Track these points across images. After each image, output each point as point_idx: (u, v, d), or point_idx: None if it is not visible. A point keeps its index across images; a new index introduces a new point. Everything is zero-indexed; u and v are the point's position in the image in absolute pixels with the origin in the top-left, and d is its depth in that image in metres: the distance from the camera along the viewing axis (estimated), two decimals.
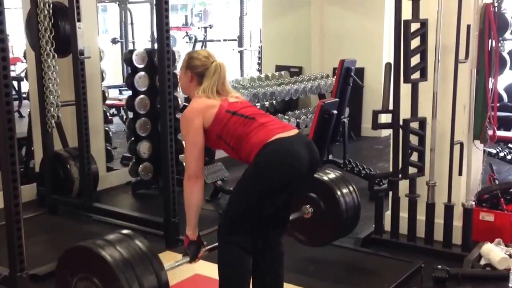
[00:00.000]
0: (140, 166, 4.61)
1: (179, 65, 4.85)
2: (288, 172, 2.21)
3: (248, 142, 2.24)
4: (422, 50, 3.18)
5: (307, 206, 2.85)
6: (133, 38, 9.83)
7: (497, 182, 3.75)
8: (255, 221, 2.32)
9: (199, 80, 2.37)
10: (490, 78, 3.33)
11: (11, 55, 7.51)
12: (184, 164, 4.66)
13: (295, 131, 2.30)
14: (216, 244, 2.37)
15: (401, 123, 3.24)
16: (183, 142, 4.31)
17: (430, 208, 3.29)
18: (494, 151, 5.00)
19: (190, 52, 2.49)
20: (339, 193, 2.83)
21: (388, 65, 3.27)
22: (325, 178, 2.88)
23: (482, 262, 3.01)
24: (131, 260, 1.99)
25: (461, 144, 3.27)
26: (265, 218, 2.36)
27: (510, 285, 2.84)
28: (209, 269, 2.89)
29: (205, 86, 2.34)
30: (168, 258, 3.34)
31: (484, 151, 3.68)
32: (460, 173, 3.28)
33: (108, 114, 5.09)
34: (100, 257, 1.97)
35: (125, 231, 2.16)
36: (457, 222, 3.29)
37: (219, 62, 2.38)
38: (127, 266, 1.97)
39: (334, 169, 3.05)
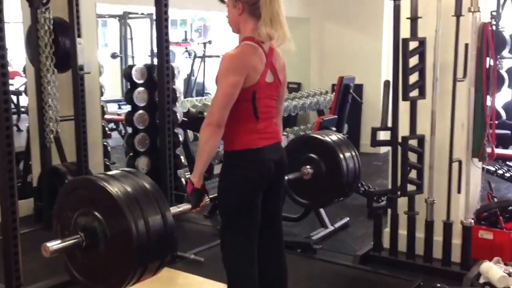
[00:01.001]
0: None
1: (178, 80, 4.87)
2: (257, 175, 2.23)
3: (236, 134, 2.20)
4: (421, 68, 3.20)
5: (307, 167, 2.75)
6: (132, 53, 9.88)
7: (495, 200, 3.74)
8: (249, 214, 2.28)
9: (251, 11, 2.14)
10: (488, 96, 3.35)
11: (10, 69, 7.51)
12: (183, 180, 4.66)
13: (274, 142, 2.29)
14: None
15: (400, 140, 3.25)
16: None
17: (429, 226, 3.28)
18: (492, 168, 5.00)
19: None
20: (341, 156, 2.74)
21: (387, 82, 3.28)
22: (328, 139, 2.80)
23: (481, 280, 2.99)
24: (136, 195, 1.84)
25: (460, 162, 3.27)
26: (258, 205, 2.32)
27: None
28: (208, 286, 2.87)
29: (267, 16, 2.10)
30: (166, 275, 3.32)
31: (483, 168, 3.69)
32: (459, 191, 3.28)
33: (106, 129, 5.09)
34: (104, 190, 1.81)
35: (128, 169, 2.03)
36: (456, 240, 3.28)
37: None
38: (132, 201, 1.82)
39: (337, 132, 2.98)
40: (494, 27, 3.37)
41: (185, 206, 2.21)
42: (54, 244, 1.90)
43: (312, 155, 2.77)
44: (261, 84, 2.20)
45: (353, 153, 2.84)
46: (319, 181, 2.74)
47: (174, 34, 14.10)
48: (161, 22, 3.32)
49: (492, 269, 2.96)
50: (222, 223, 2.35)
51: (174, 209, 2.13)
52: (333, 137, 2.84)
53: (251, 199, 2.25)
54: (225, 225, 2.33)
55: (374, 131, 3.29)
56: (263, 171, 2.25)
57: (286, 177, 2.49)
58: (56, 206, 2.00)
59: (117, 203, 1.80)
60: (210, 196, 2.30)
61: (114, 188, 1.82)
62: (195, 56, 9.35)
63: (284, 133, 6.10)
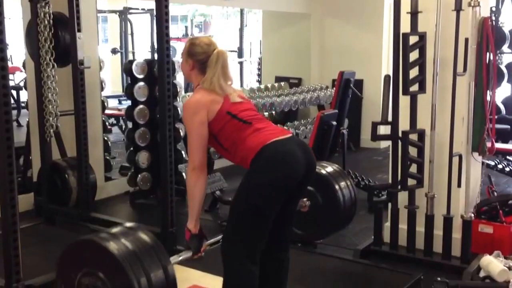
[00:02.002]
0: (139, 176, 4.61)
1: (178, 75, 4.87)
2: (286, 170, 2.19)
3: (243, 146, 2.22)
4: (421, 62, 3.20)
5: (304, 199, 2.80)
6: (133, 48, 9.87)
7: (495, 194, 3.74)
8: (260, 227, 2.25)
9: (200, 68, 2.32)
10: (488, 91, 3.34)
11: (10, 64, 7.52)
12: (184, 174, 4.67)
13: (289, 134, 2.30)
14: (219, 237, 2.32)
15: (400, 134, 3.25)
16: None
17: (429, 220, 3.28)
18: (492, 163, 5.01)
19: (191, 38, 2.41)
20: (337, 186, 2.80)
21: (387, 77, 3.28)
22: (323, 171, 2.84)
23: (481, 274, 2.99)
24: (138, 252, 1.91)
25: (460, 156, 3.27)
26: (268, 226, 2.29)
27: None
28: (207, 280, 2.88)
29: (209, 76, 2.28)
30: None
31: (483, 163, 3.69)
32: (459, 185, 3.28)
33: (107, 123, 5.10)
34: (106, 250, 1.88)
35: (129, 224, 2.09)
36: (456, 234, 3.28)
37: (221, 50, 2.32)
38: (134, 259, 1.88)
39: (331, 163, 3.02)
40: (494, 22, 3.36)
41: (186, 254, 2.28)
42: None
43: (309, 187, 2.79)
44: (230, 104, 2.29)
45: (348, 183, 2.90)
46: (316, 213, 2.78)
47: (175, 29, 14.08)
48: (161, 17, 3.31)
49: (492, 263, 2.96)
50: (230, 224, 2.28)
51: (175, 259, 2.22)
52: (328, 168, 2.90)
53: (268, 205, 2.19)
54: (233, 226, 2.25)
55: (375, 125, 3.29)
56: (289, 166, 2.18)
57: None
58: (59, 266, 2.05)
59: (119, 263, 1.87)
60: (210, 241, 2.36)
61: (115, 248, 1.89)
62: None
63: (285, 127, 6.10)
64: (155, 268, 1.91)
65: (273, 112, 6.35)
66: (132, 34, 9.79)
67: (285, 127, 6.06)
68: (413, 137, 3.25)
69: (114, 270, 1.87)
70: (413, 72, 3.20)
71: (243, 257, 2.21)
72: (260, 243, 2.25)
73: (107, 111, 5.45)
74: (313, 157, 2.31)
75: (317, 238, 2.95)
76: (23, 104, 7.62)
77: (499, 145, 4.39)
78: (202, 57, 2.31)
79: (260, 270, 2.32)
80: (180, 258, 2.26)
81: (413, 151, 3.26)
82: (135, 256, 1.89)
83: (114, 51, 9.92)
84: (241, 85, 9.31)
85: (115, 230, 2.01)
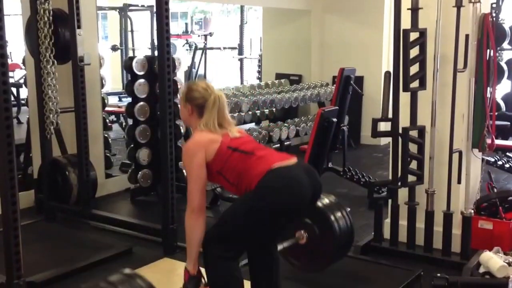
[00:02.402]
0: (140, 173, 4.61)
1: (179, 72, 4.87)
2: (290, 197, 2.23)
3: (248, 175, 2.24)
4: (421, 59, 3.20)
5: (302, 232, 2.84)
6: (133, 45, 9.85)
7: (495, 190, 3.75)
8: (248, 242, 2.34)
9: (199, 112, 2.36)
10: (488, 88, 3.34)
11: (10, 62, 7.51)
12: (184, 171, 4.67)
13: (294, 160, 2.31)
14: None
15: (400, 131, 3.25)
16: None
17: (429, 216, 3.29)
18: (492, 159, 5.01)
19: (188, 84, 2.48)
20: (332, 218, 2.83)
21: (387, 73, 3.28)
22: (319, 203, 2.87)
23: (481, 270, 3.00)
24: None
25: (460, 153, 3.27)
26: (260, 238, 2.38)
27: None
28: None
29: (206, 119, 2.32)
30: (167, 265, 3.34)
31: (483, 159, 3.69)
32: (459, 181, 3.29)
33: (107, 120, 5.10)
34: None
35: (126, 271, 2.13)
36: (456, 230, 3.29)
37: (218, 94, 2.36)
38: None
39: (328, 194, 3.08)
40: (494, 19, 3.36)
41: None
42: None
43: (306, 220, 2.82)
44: (230, 139, 2.31)
45: (344, 213, 2.90)
46: (313, 245, 2.80)
47: (175, 26, 14.08)
48: (161, 14, 3.31)
49: (492, 259, 2.97)
50: (223, 220, 2.34)
51: None
52: (324, 200, 2.90)
53: (266, 228, 2.27)
54: (218, 234, 2.29)
55: (375, 122, 3.29)
56: (294, 194, 2.22)
57: (281, 246, 2.58)
58: None
59: None
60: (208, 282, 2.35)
61: None
62: (195, 48, 9.33)
63: (285, 124, 6.11)
64: None
65: (273, 109, 6.35)
66: (132, 31, 9.77)
67: (284, 127, 6.06)
68: (413, 133, 3.25)
69: None
70: (414, 69, 3.20)
71: (223, 257, 2.25)
72: (244, 249, 2.33)
73: (107, 108, 5.45)
74: (319, 180, 2.36)
75: (315, 269, 2.98)
76: (23, 101, 7.62)
77: (499, 142, 4.40)
78: (200, 102, 2.35)
79: (252, 266, 2.38)
80: None
81: (413, 148, 3.27)
82: None
83: (114, 48, 9.90)
84: (241, 83, 9.31)
85: (113, 278, 2.05)
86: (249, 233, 2.28)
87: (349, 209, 4.21)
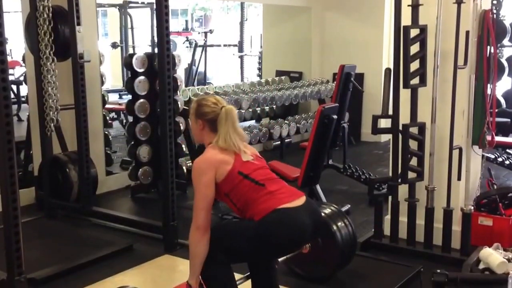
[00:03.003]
0: (140, 170, 4.61)
1: (179, 69, 4.87)
2: (289, 239, 2.27)
3: (255, 207, 2.25)
4: (422, 56, 3.19)
5: None
6: (133, 43, 9.85)
7: (495, 187, 3.75)
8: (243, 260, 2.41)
9: (211, 127, 2.35)
10: (489, 84, 3.34)
11: (10, 59, 7.51)
12: (184, 167, 4.68)
13: (302, 200, 2.31)
14: None
15: (400, 128, 3.25)
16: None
17: (429, 213, 3.29)
18: (492, 156, 5.01)
19: (198, 100, 2.43)
20: (335, 227, 2.86)
21: (387, 70, 3.27)
22: (321, 213, 2.90)
23: (481, 266, 3.00)
24: None
25: (460, 149, 3.27)
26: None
27: None
28: None
29: (223, 133, 2.30)
30: (167, 262, 3.34)
31: (483, 156, 3.69)
32: (459, 178, 3.29)
33: (107, 118, 5.09)
34: None
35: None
36: (456, 227, 3.29)
37: (229, 107, 2.35)
38: None
39: (330, 203, 3.09)
40: (494, 15, 3.35)
41: None
42: None
43: None
44: (242, 163, 2.30)
45: (346, 222, 2.94)
46: (316, 254, 2.81)
47: (175, 23, 14.06)
48: (161, 11, 3.31)
49: (491, 255, 2.97)
50: (223, 229, 2.38)
51: None
52: (326, 210, 2.93)
53: (260, 257, 2.36)
54: (227, 235, 2.32)
55: (375, 119, 3.29)
56: (295, 236, 2.27)
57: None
58: None
59: None
60: None
61: None
62: (196, 46, 9.32)
63: (286, 121, 6.11)
64: None
65: (274, 106, 6.35)
66: (132, 28, 9.76)
67: (285, 124, 6.05)
68: (414, 130, 3.25)
69: None
70: (414, 65, 3.19)
71: (219, 263, 2.29)
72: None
73: (107, 105, 5.45)
74: (321, 220, 2.42)
75: (318, 278, 3.00)
76: (23, 99, 7.62)
77: (499, 139, 4.39)
78: (211, 116, 2.34)
79: (250, 274, 2.43)
80: None
81: (413, 145, 3.27)
82: None
83: (114, 45, 9.89)
84: (242, 80, 9.31)
85: None
86: (244, 256, 2.34)
87: (349, 205, 4.27)
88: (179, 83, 4.57)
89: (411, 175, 3.29)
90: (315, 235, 2.43)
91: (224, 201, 2.38)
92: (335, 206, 3.05)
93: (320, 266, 2.94)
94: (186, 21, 13.40)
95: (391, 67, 3.25)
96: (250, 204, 2.26)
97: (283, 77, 6.99)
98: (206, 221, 2.25)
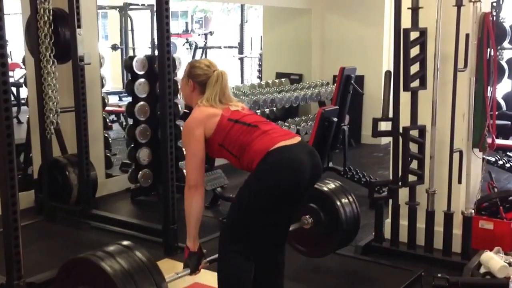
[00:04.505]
0: (140, 172, 4.61)
1: (179, 72, 4.87)
2: (290, 179, 2.21)
3: (250, 149, 2.23)
4: (422, 58, 3.19)
5: (307, 216, 2.83)
6: (133, 45, 9.85)
7: (496, 190, 3.74)
8: (257, 231, 2.30)
9: (201, 89, 2.36)
10: (489, 87, 3.34)
11: (10, 61, 7.51)
12: (184, 171, 4.67)
13: (297, 139, 2.29)
14: (217, 255, 2.35)
15: (401, 131, 3.24)
16: (184, 150, 4.38)
17: (430, 216, 3.28)
18: (493, 159, 5.00)
19: (191, 61, 2.48)
20: (338, 203, 2.82)
21: (388, 73, 3.27)
22: (325, 188, 2.87)
23: (482, 270, 2.99)
24: (132, 272, 1.96)
25: (461, 152, 3.27)
26: (266, 231, 2.35)
27: None
28: (209, 278, 2.88)
29: (208, 95, 2.32)
30: (167, 266, 3.33)
31: (483, 159, 3.68)
32: (459, 181, 3.28)
33: (107, 120, 5.09)
34: (101, 269, 1.93)
35: (125, 242, 2.12)
36: (457, 230, 3.29)
37: (221, 71, 2.37)
38: (128, 278, 1.93)
39: (333, 180, 3.05)
40: (494, 18, 3.35)
41: (184, 272, 2.30)
42: None
43: (311, 204, 2.82)
44: (231, 112, 2.31)
45: (351, 199, 2.90)
46: (319, 230, 2.80)
47: (175, 25, 14.07)
48: (161, 13, 3.30)
49: (492, 259, 2.96)
50: (228, 224, 2.34)
51: (173, 276, 2.24)
52: (330, 185, 2.90)
53: (270, 211, 2.25)
54: (230, 227, 2.31)
55: (375, 121, 3.28)
56: (295, 175, 2.21)
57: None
58: (57, 282, 2.09)
59: (113, 283, 1.90)
60: (208, 259, 2.37)
61: (110, 267, 1.94)
62: (196, 48, 9.33)
63: (286, 124, 6.10)
64: (148, 286, 1.96)
65: (274, 109, 6.35)
66: (132, 30, 9.77)
67: (285, 127, 6.05)
68: (414, 133, 3.25)
69: None
70: (414, 68, 3.19)
71: (237, 252, 2.25)
72: (256, 243, 2.30)
73: (107, 108, 5.44)
74: (320, 161, 2.33)
75: (320, 255, 2.97)
76: (23, 101, 7.61)
77: (499, 141, 4.39)
78: (202, 78, 2.36)
79: (255, 272, 2.35)
80: (178, 276, 2.29)
81: (413, 147, 3.26)
82: (129, 276, 1.94)
83: (114, 47, 9.90)
84: (242, 82, 9.30)
85: (110, 248, 2.05)
86: (256, 221, 2.26)
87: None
88: (179, 86, 4.57)
89: (412, 178, 3.28)
90: (314, 176, 2.30)
91: (221, 155, 2.35)
92: (338, 182, 3.00)
93: (321, 244, 2.88)
94: (186, 23, 13.39)
95: (391, 69, 3.25)
96: (245, 147, 2.24)
97: (283, 79, 6.98)
98: (197, 179, 2.26)
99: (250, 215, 2.25)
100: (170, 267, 3.31)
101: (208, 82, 2.34)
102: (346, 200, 2.86)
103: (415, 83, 3.22)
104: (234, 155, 2.29)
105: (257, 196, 2.21)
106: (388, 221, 3.51)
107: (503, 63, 5.49)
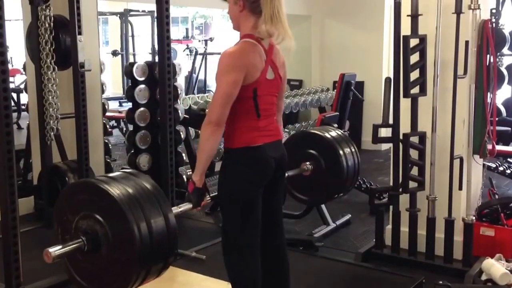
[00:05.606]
0: None
1: (179, 78, 4.87)
2: (256, 171, 2.22)
3: (237, 130, 2.19)
4: (421, 65, 3.20)
5: (307, 163, 2.74)
6: (133, 51, 9.87)
7: (497, 196, 3.73)
8: (250, 213, 2.26)
9: (252, 8, 2.14)
10: (489, 93, 3.34)
11: (10, 67, 7.52)
12: (184, 177, 4.66)
13: (278, 138, 2.29)
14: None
15: (401, 137, 3.24)
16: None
17: (431, 223, 3.28)
18: (493, 165, 5.00)
19: None
20: (340, 151, 2.73)
21: (388, 79, 3.28)
22: (327, 135, 2.79)
23: (483, 277, 2.99)
24: (138, 197, 1.81)
25: (461, 159, 3.26)
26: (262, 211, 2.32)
27: None
28: (209, 284, 2.87)
29: (265, 13, 2.10)
30: (166, 273, 3.31)
31: (484, 165, 3.68)
32: (460, 188, 3.27)
33: (108, 126, 5.08)
34: (105, 192, 1.78)
35: (130, 170, 2.01)
36: (458, 237, 3.28)
37: None
38: (135, 204, 1.79)
39: (336, 128, 2.98)
40: (494, 25, 3.35)
41: (186, 206, 2.21)
42: (56, 250, 1.87)
43: (312, 151, 2.76)
44: (262, 81, 2.19)
45: (353, 149, 2.83)
46: (318, 177, 2.73)
47: (175, 31, 14.10)
48: (162, 19, 3.32)
49: (494, 266, 2.95)
50: (223, 221, 2.35)
51: (175, 210, 2.11)
52: (333, 133, 2.84)
53: (250, 197, 2.23)
54: (226, 223, 2.32)
55: (376, 128, 3.29)
56: (263, 169, 2.23)
57: (286, 174, 2.48)
58: (56, 209, 1.97)
59: (118, 206, 1.77)
60: (212, 195, 2.30)
61: (115, 191, 1.79)
62: (196, 53, 9.33)
63: (286, 130, 6.09)
64: (156, 214, 1.82)
65: None
66: (132, 36, 9.79)
67: (285, 133, 6.05)
68: (414, 139, 3.25)
69: (113, 213, 1.77)
70: (414, 75, 3.20)
71: (242, 250, 2.24)
72: (255, 230, 2.26)
73: (107, 114, 5.44)
74: (284, 152, 2.33)
75: (319, 202, 2.90)
76: (23, 107, 7.62)
77: (500, 147, 4.39)
78: None
79: (261, 265, 2.32)
80: (181, 209, 2.19)
81: (414, 154, 3.26)
82: (135, 201, 1.79)
83: (114, 53, 9.92)
84: None
85: (114, 174, 1.92)
86: (244, 205, 2.23)
87: (349, 215, 4.24)
88: (179, 92, 4.57)
89: (412, 184, 3.27)
90: (280, 167, 2.29)
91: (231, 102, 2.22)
92: (342, 131, 2.94)
93: (321, 190, 2.82)
94: (187, 29, 13.41)
95: (391, 76, 3.25)
96: (235, 121, 2.17)
97: None
98: (221, 118, 2.10)
99: (238, 203, 2.23)
100: (169, 274, 3.30)
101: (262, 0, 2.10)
102: (349, 150, 2.78)
103: (415, 90, 3.22)
104: (231, 115, 2.18)
105: (235, 185, 2.21)
106: (388, 228, 3.50)
107: (503, 69, 5.48)
